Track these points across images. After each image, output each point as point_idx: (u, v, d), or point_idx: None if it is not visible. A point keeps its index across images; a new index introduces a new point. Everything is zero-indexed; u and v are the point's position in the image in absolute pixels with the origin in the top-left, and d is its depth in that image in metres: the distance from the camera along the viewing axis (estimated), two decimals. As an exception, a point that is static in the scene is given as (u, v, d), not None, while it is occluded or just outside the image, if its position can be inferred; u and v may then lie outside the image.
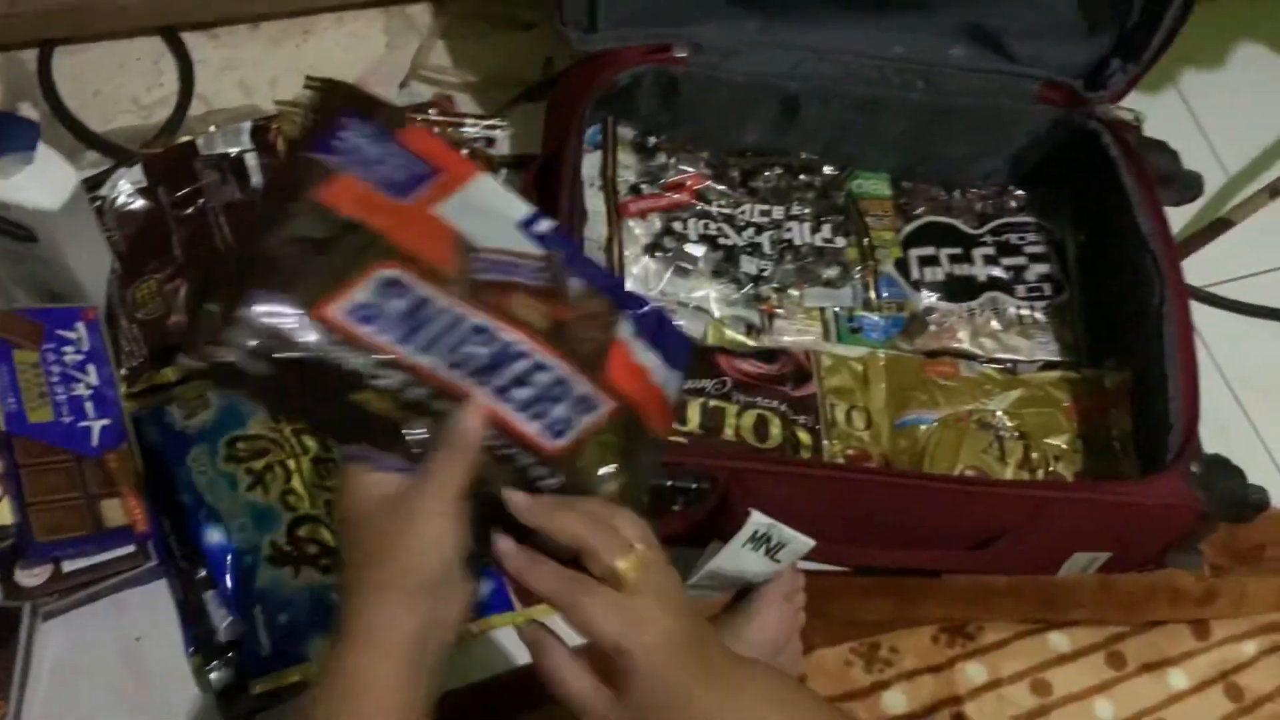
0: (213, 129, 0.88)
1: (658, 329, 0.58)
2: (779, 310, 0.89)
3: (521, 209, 0.55)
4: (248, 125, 0.87)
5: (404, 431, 0.49)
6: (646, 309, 0.58)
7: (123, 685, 0.73)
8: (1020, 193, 0.98)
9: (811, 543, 0.72)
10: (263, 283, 0.46)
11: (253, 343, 0.45)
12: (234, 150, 0.86)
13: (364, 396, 0.48)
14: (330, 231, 0.48)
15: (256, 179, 0.86)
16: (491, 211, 0.54)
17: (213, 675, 0.72)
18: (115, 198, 0.83)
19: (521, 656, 0.77)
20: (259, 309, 0.46)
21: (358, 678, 0.47)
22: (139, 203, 0.83)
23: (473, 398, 0.49)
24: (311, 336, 0.46)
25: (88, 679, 0.73)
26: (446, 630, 0.49)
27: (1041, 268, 0.93)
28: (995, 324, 0.90)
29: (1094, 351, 0.90)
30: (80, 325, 0.75)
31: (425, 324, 0.49)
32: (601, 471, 0.53)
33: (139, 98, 0.95)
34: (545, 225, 0.55)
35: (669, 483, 0.71)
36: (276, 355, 0.46)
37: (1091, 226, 0.94)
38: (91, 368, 0.74)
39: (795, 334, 0.89)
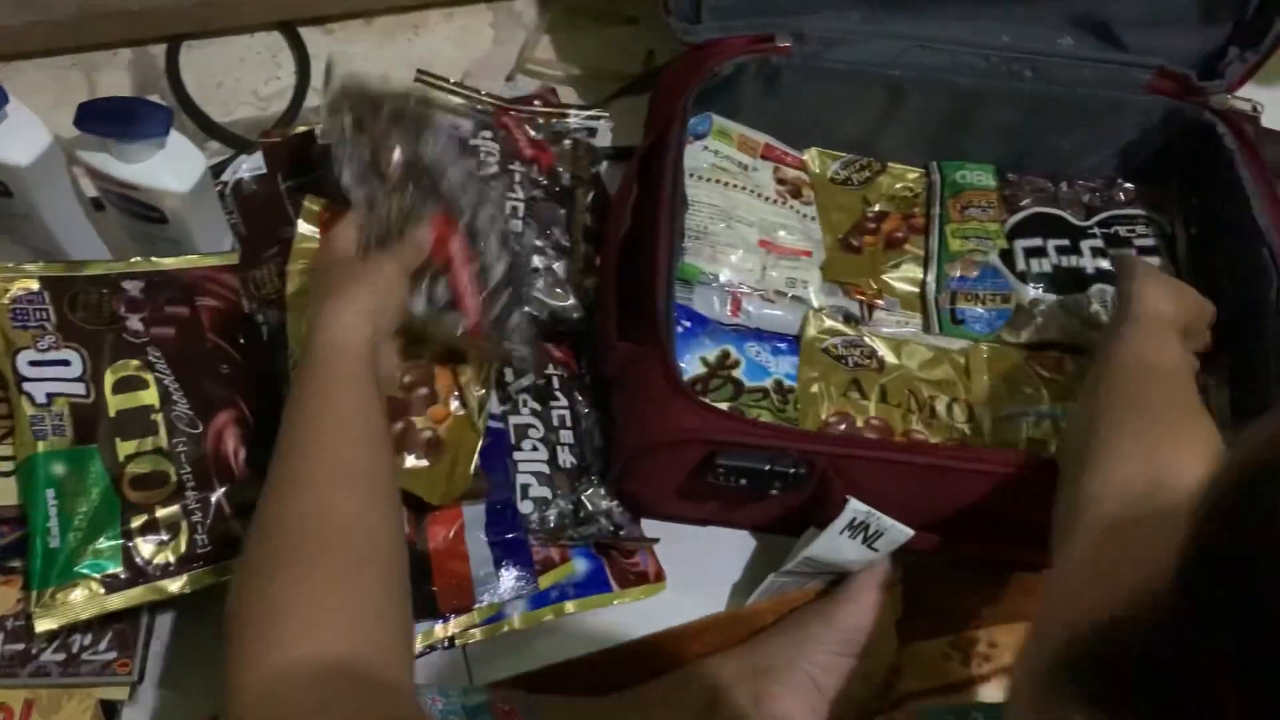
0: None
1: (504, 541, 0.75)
2: (879, 301, 0.88)
3: None
4: (364, 117, 0.90)
5: None
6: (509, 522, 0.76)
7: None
8: (1129, 185, 0.96)
9: (910, 532, 0.71)
10: None
11: None
12: (350, 139, 0.89)
13: None
14: None
15: (370, 168, 0.88)
16: None
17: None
18: (237, 181, 0.86)
19: (616, 638, 0.78)
20: None
21: (330, 369, 0.60)
22: (259, 189, 0.86)
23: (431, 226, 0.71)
24: None
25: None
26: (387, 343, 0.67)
27: (1151, 261, 0.91)
28: (1104, 317, 0.89)
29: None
30: (204, 304, 0.79)
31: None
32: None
33: (258, 90, 0.99)
34: None
35: (768, 467, 0.71)
36: None
37: (1204, 219, 0.92)
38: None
39: (895, 325, 0.88)
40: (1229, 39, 0.89)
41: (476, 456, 0.75)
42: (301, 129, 0.91)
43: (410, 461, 0.75)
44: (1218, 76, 0.89)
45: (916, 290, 0.91)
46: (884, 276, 0.89)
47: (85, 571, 0.62)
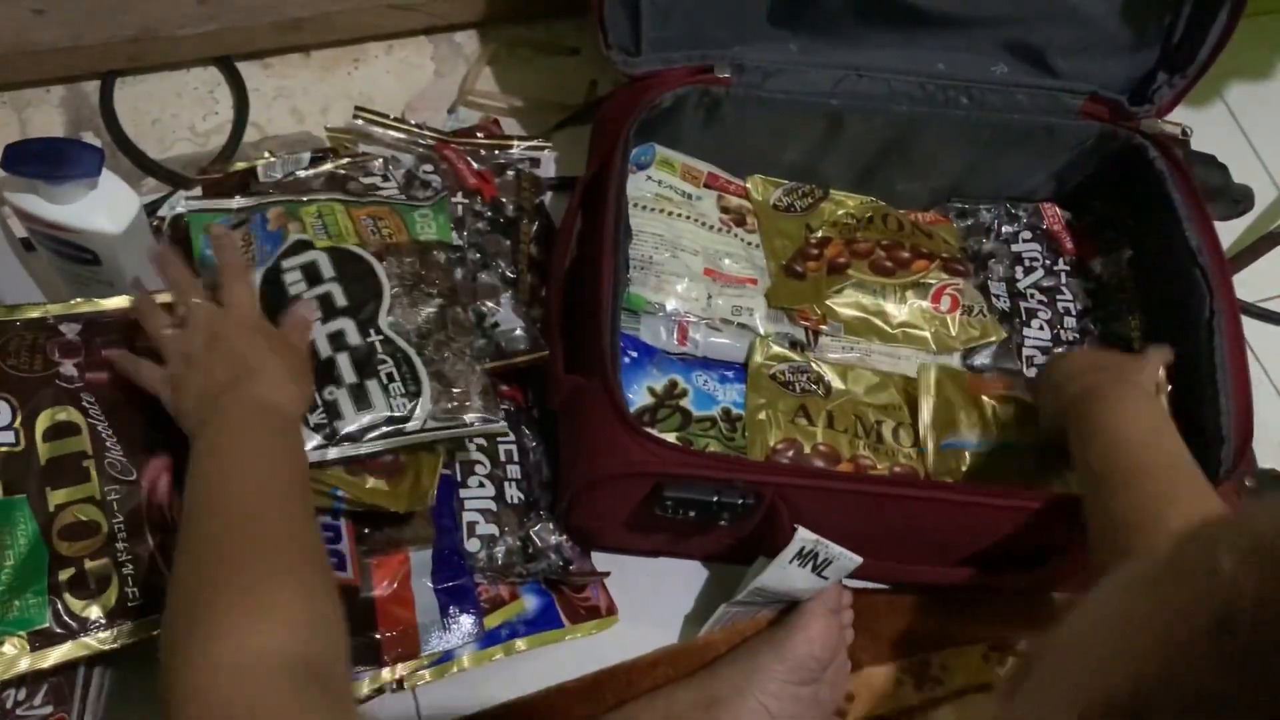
0: (268, 155, 0.90)
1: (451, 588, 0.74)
2: (824, 326, 0.89)
3: None
4: (307, 155, 0.89)
5: None
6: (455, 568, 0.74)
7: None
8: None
9: (858, 559, 0.72)
10: None
11: None
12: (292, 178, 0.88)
13: None
14: None
15: (310, 203, 0.87)
16: None
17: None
18: (175, 217, 0.84)
19: (569, 674, 0.77)
20: None
21: (273, 426, 0.61)
22: (197, 226, 0.85)
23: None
24: None
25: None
26: None
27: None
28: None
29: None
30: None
31: None
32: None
33: (195, 125, 0.98)
34: None
35: (715, 498, 0.71)
36: None
37: (1139, 241, 0.94)
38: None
39: (840, 350, 0.89)
40: (1157, 65, 0.91)
41: (439, 469, 0.74)
42: (241, 165, 0.90)
43: (371, 483, 0.73)
44: (1147, 101, 0.91)
45: (861, 315, 0.91)
46: (828, 302, 0.90)
47: (11, 628, 0.60)
